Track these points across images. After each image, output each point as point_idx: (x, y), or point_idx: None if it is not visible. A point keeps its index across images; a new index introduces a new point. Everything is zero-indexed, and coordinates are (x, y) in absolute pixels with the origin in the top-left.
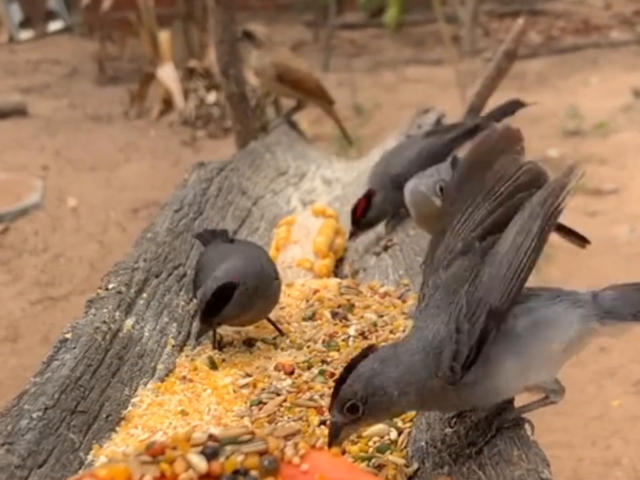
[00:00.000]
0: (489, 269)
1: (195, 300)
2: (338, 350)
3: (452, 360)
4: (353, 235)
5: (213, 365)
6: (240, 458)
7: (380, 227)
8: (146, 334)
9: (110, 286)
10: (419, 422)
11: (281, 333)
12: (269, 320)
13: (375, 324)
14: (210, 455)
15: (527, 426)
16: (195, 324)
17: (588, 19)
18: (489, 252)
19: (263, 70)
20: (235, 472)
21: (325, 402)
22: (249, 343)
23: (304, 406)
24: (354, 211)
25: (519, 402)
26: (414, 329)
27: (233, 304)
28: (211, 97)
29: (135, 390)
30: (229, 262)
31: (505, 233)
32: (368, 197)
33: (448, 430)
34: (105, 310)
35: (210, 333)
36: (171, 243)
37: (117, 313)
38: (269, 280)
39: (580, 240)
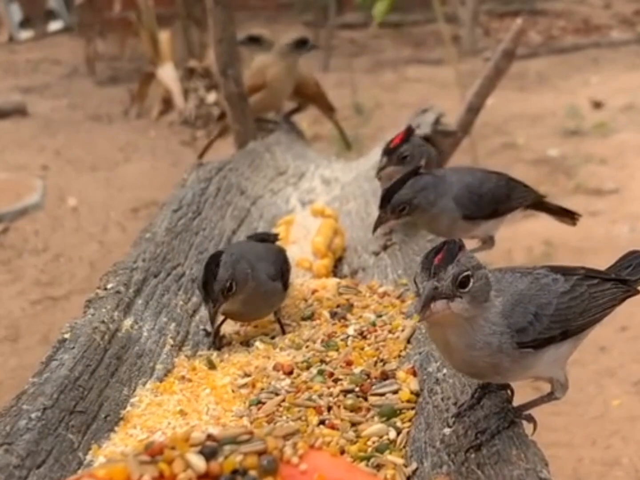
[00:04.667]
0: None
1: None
2: (337, 350)
3: (521, 331)
4: (382, 169)
5: (211, 365)
6: (239, 458)
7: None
8: (145, 333)
9: (109, 286)
10: (418, 422)
11: (283, 332)
12: (277, 319)
13: (374, 324)
14: (209, 455)
15: (531, 425)
16: (206, 313)
17: (588, 19)
18: None
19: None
20: (234, 472)
21: (324, 401)
22: (248, 343)
23: (303, 406)
24: (389, 142)
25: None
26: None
27: (224, 265)
28: (211, 97)
29: (134, 390)
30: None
31: None
32: (407, 130)
33: (447, 430)
34: (104, 310)
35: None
36: (170, 243)
37: (116, 313)
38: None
39: (570, 216)
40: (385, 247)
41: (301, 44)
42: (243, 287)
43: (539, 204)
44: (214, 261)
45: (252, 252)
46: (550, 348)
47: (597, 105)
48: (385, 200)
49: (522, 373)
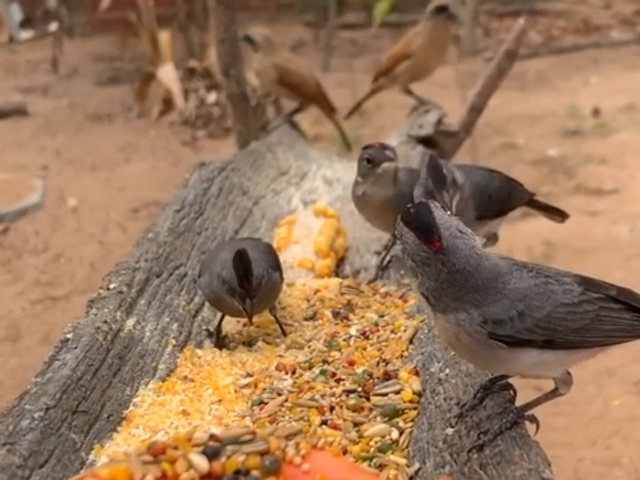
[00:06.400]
0: None
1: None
2: (339, 350)
3: (497, 322)
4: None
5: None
6: (241, 458)
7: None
8: (147, 333)
9: (111, 286)
10: (420, 422)
11: (284, 333)
12: (275, 319)
13: (376, 324)
14: (212, 455)
15: (533, 425)
16: (244, 305)
17: (588, 19)
18: None
19: (264, 72)
20: (237, 472)
21: (326, 401)
22: (250, 343)
23: (305, 406)
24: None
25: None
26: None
27: (256, 262)
28: (211, 97)
29: (137, 390)
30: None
31: None
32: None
33: (449, 430)
34: (106, 310)
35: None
36: (172, 243)
37: (119, 313)
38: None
39: (559, 214)
40: (387, 247)
41: (441, 10)
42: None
43: (530, 202)
44: (246, 259)
45: (250, 247)
46: (529, 350)
47: (596, 112)
48: (443, 182)
49: (495, 364)
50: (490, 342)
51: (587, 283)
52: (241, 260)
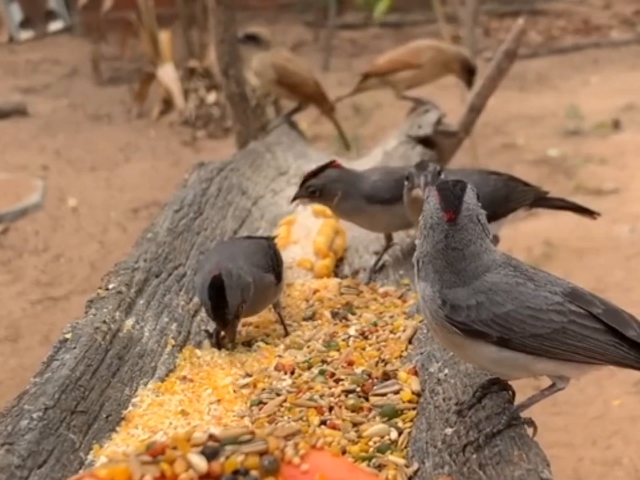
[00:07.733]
0: None
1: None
2: (338, 350)
3: (454, 307)
4: (295, 198)
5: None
6: (240, 458)
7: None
8: (146, 334)
9: (110, 286)
10: (419, 422)
11: (286, 332)
12: (279, 316)
13: (375, 324)
14: (211, 455)
15: (530, 429)
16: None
17: (588, 19)
18: None
19: (263, 72)
20: (236, 472)
21: (325, 402)
22: (249, 343)
23: (304, 406)
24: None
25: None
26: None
27: (231, 290)
28: (211, 97)
29: (136, 390)
30: (210, 262)
31: None
32: (326, 165)
33: (448, 430)
34: (105, 310)
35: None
36: (171, 243)
37: (117, 313)
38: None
39: (590, 213)
40: (386, 248)
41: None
42: (248, 298)
43: (545, 201)
44: (218, 288)
45: (242, 249)
46: (487, 345)
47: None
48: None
49: (457, 350)
50: (447, 325)
51: (574, 296)
52: (215, 290)
